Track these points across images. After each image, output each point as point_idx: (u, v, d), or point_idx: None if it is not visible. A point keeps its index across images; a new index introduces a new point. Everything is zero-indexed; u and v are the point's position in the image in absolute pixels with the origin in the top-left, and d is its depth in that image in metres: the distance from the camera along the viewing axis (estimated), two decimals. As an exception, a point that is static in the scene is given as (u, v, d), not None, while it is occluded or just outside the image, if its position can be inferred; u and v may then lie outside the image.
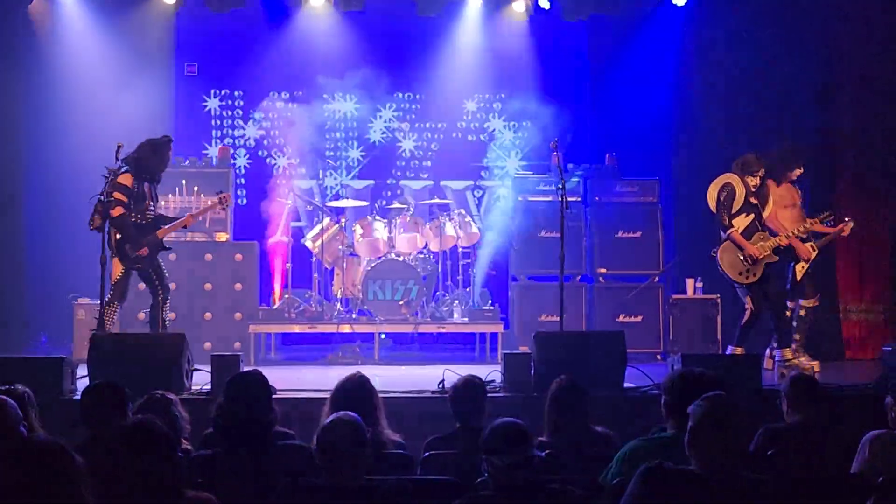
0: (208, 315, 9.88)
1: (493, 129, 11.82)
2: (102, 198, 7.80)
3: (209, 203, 8.75)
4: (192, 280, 9.88)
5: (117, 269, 8.15)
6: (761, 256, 8.25)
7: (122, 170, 7.94)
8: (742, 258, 8.25)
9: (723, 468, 3.61)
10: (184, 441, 4.72)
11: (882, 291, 10.78)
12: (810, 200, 10.26)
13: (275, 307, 10.04)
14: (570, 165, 10.26)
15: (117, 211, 7.86)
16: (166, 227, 8.21)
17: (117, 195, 7.84)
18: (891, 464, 4.45)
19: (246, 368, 6.54)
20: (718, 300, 10.01)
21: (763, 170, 8.34)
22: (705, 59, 10.91)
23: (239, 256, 9.98)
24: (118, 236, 7.92)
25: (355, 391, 4.81)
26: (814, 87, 10.71)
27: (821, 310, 10.43)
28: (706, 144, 10.53)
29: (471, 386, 5.18)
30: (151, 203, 8.15)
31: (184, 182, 10.14)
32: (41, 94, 10.56)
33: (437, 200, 11.03)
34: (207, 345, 9.54)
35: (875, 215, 10.80)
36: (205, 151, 11.35)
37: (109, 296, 8.05)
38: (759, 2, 10.79)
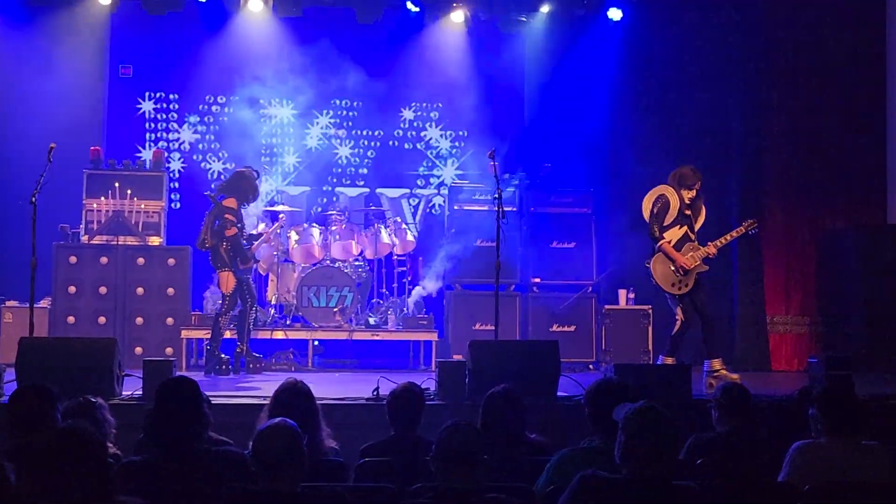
0: (140, 320, 9.74)
1: (430, 138, 11.83)
2: (216, 221, 8.83)
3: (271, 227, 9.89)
4: (124, 284, 9.74)
5: (231, 282, 8.93)
6: (692, 267, 8.32)
7: (224, 195, 8.97)
8: (674, 269, 8.32)
9: (653, 477, 3.65)
10: (111, 446, 4.65)
11: (808, 303, 11.00)
12: (737, 212, 10.51)
13: (207, 311, 9.92)
14: (506, 175, 10.23)
15: (232, 231, 8.83)
16: (256, 242, 9.42)
17: (230, 217, 8.84)
18: (816, 472, 4.52)
19: (178, 374, 6.48)
20: (650, 310, 10.12)
21: (699, 183, 8.41)
22: (640, 73, 11.06)
23: (172, 261, 9.85)
24: (230, 253, 8.88)
25: (293, 398, 4.78)
26: (743, 100, 10.90)
27: (748, 321, 10.69)
28: (640, 156, 10.64)
29: (409, 393, 5.17)
30: (244, 224, 9.20)
31: (116, 185, 10.00)
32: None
33: (373, 208, 11.03)
34: (138, 350, 9.45)
35: (803, 224, 11.04)
36: (138, 154, 11.20)
37: (224, 307, 8.99)
38: (692, 18, 10.99)
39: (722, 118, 11.02)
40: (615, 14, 11.02)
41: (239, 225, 8.95)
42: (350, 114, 11.68)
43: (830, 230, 11.01)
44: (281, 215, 10.03)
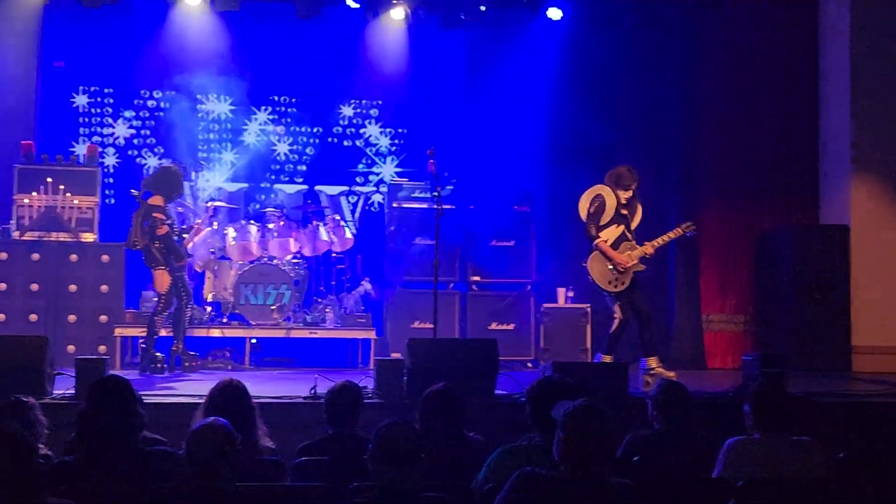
0: (72, 317, 9.56)
1: (370, 136, 11.78)
2: (145, 221, 8.68)
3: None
4: (56, 281, 9.57)
5: (166, 280, 8.76)
6: (629, 265, 8.37)
7: (150, 193, 8.81)
8: (611, 268, 8.36)
9: (591, 474, 3.68)
10: (42, 447, 4.58)
11: (743, 302, 11.15)
12: (675, 213, 10.63)
13: (142, 310, 9.79)
14: (445, 173, 10.15)
15: (163, 230, 8.70)
16: (187, 237, 9.26)
17: (159, 216, 8.69)
18: (749, 468, 4.59)
19: (111, 373, 6.38)
20: (588, 309, 10.17)
21: (636, 183, 8.46)
22: (580, 73, 11.12)
23: (106, 258, 9.70)
24: (163, 251, 8.73)
25: (229, 397, 4.73)
26: (682, 101, 11.05)
27: (684, 319, 10.81)
28: (579, 155, 10.69)
29: (347, 391, 5.14)
30: (174, 220, 9.09)
31: (49, 180, 9.81)
32: None
33: (311, 205, 10.97)
34: (71, 348, 9.28)
35: (739, 224, 11.18)
36: (72, 149, 10.97)
37: (160, 305, 8.79)
38: (632, 18, 11.08)
39: (661, 119, 11.12)
40: (555, 13, 11.07)
41: (169, 222, 8.82)
42: (289, 110, 11.58)
43: (765, 231, 11.17)
44: (211, 203, 9.92)
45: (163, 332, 9.06)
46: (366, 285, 10.54)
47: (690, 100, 11.12)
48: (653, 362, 8.36)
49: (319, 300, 10.43)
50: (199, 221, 9.65)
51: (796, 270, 10.58)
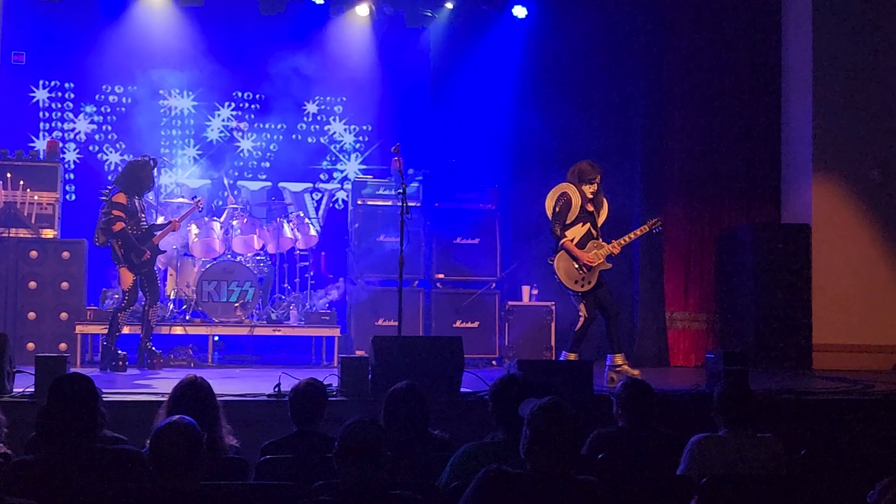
0: (32, 314, 9.47)
1: (334, 132, 11.77)
2: (103, 218, 8.74)
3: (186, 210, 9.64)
4: (15, 278, 9.47)
5: (128, 278, 8.79)
6: (595, 264, 8.38)
7: (115, 190, 8.82)
8: (577, 267, 8.36)
9: (556, 471, 3.70)
10: (1, 445, 4.54)
11: (706, 300, 11.23)
12: (640, 212, 10.69)
13: (105, 307, 9.70)
14: (410, 170, 10.27)
15: (118, 226, 8.68)
16: (159, 233, 9.10)
17: (116, 213, 8.68)
18: (714, 464, 4.63)
19: (72, 370, 6.30)
20: (553, 307, 10.21)
21: (599, 177, 8.44)
22: (545, 70, 11.15)
23: (66, 254, 9.59)
24: (122, 249, 8.74)
25: (192, 395, 4.68)
26: (646, 100, 11.09)
27: (648, 317, 10.86)
28: (545, 153, 10.74)
29: (312, 389, 5.11)
30: (143, 216, 9.00)
31: (9, 176, 9.70)
32: None
33: (275, 202, 10.88)
34: (31, 345, 9.19)
35: (702, 223, 11.26)
36: (31, 144, 10.88)
37: (124, 302, 8.82)
38: (596, 18, 11.11)
39: (625, 117, 11.17)
40: (520, 11, 11.09)
41: (126, 219, 8.72)
42: (252, 106, 11.55)
43: (727, 229, 11.26)
44: (198, 198, 9.81)
45: (125, 330, 8.99)
46: (333, 292, 10.52)
47: (654, 98, 11.16)
48: (619, 359, 8.39)
49: (283, 297, 10.40)
50: (178, 219, 9.46)
51: (758, 269, 10.66)
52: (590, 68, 11.11)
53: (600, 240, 8.46)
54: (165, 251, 9.58)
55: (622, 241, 8.49)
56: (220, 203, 10.81)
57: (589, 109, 11.10)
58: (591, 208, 8.47)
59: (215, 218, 10.28)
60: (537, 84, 11.15)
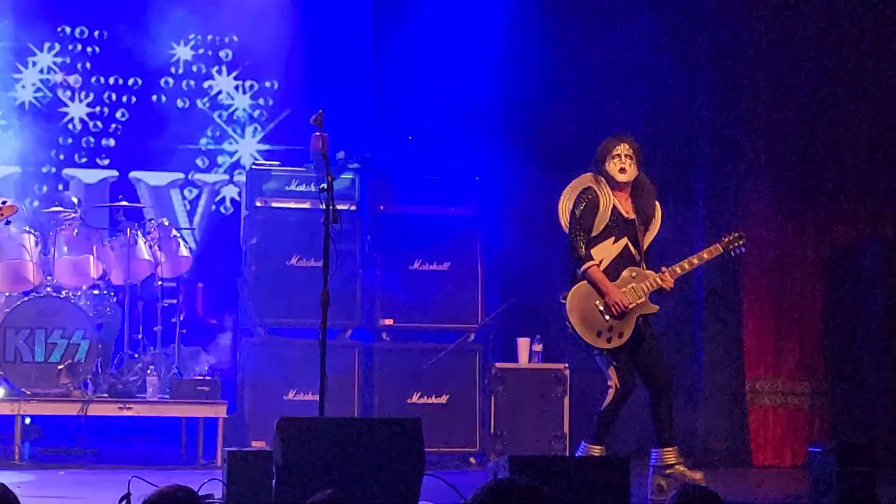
0: None
1: (219, 92, 11.87)
2: None
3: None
4: None
5: None
6: (631, 306, 8.18)
7: None
8: (602, 309, 8.18)
9: None
10: None
11: (810, 360, 11.18)
12: (702, 228, 10.74)
13: None
14: (341, 154, 10.24)
15: None
16: None
17: None
18: None
19: None
20: (567, 371, 10.18)
21: (630, 149, 8.17)
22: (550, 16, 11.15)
23: None
24: None
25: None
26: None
27: (718, 388, 10.82)
28: (553, 131, 10.74)
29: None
30: None
31: None
32: None
33: (124, 203, 10.66)
34: None
35: (800, 241, 11.25)
36: None
37: None
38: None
39: (677, 79, 11.15)
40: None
41: None
42: (88, 50, 11.60)
43: (843, 247, 11.24)
44: (6, 202, 9.65)
45: None
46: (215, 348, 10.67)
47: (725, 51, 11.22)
48: (670, 456, 8.32)
49: (136, 356, 10.27)
50: None
51: (891, 307, 10.64)
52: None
53: (643, 266, 8.32)
54: None
55: (677, 270, 8.38)
56: (37, 204, 10.74)
57: (621, 66, 11.09)
58: (629, 215, 8.29)
59: (28, 228, 10.12)
60: (545, 20, 11.11)
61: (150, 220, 10.63)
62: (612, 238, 8.24)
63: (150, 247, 10.26)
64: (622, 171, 8.21)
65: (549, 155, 10.52)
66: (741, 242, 8.55)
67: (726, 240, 8.54)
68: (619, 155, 8.22)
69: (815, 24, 11.28)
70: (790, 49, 11.33)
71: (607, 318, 8.17)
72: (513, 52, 11.09)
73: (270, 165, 10.68)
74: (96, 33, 11.54)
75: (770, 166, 11.31)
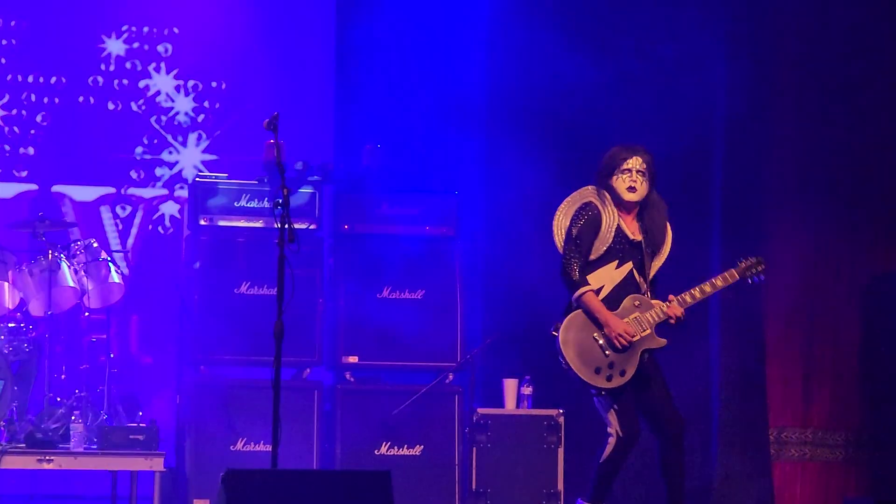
0: None
1: (157, 93, 11.95)
2: None
3: None
4: None
5: None
6: (635, 338, 8.32)
7: None
8: (601, 342, 8.31)
9: None
10: None
11: (843, 407, 11.30)
12: (721, 248, 10.89)
13: None
14: (298, 164, 10.41)
15: None
16: None
17: None
18: None
19: None
20: (561, 418, 10.29)
21: (641, 163, 8.29)
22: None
23: None
24: None
25: None
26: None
27: (739, 437, 10.95)
28: (548, 137, 10.91)
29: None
30: None
31: None
32: None
33: (46, 222, 10.58)
34: None
35: (831, 270, 11.43)
36: None
37: None
38: None
39: (694, 78, 11.32)
40: None
41: None
42: (3, 42, 11.74)
43: (883, 274, 11.37)
44: None
45: None
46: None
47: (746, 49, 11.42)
48: None
49: (60, 400, 10.31)
50: None
51: None
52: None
53: (648, 294, 8.46)
54: None
55: (687, 298, 8.47)
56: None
57: (626, 52, 11.30)
58: (635, 236, 8.46)
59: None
60: (530, 13, 11.29)
61: (75, 241, 10.63)
62: (616, 262, 8.33)
63: (76, 272, 10.27)
64: (631, 189, 8.27)
65: (542, 165, 10.59)
66: (761, 269, 8.57)
67: (743, 265, 8.55)
68: (629, 170, 8.28)
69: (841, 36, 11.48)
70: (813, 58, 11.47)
71: (608, 352, 8.21)
72: (499, 43, 11.18)
73: (217, 178, 10.63)
74: (12, 23, 11.59)
75: (795, 183, 11.42)
